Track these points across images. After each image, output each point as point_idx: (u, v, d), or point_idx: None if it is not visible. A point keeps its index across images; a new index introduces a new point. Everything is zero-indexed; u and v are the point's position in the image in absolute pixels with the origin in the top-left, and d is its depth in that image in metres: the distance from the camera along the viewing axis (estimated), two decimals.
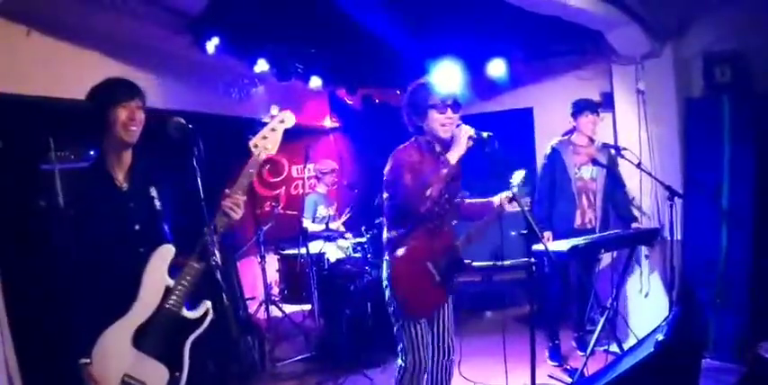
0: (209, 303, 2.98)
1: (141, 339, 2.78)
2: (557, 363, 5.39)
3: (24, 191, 3.68)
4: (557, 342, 5.49)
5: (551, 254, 4.35)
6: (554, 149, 5.49)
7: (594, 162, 5.32)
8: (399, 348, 3.53)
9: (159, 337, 2.81)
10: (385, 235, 3.60)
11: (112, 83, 2.96)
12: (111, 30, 4.84)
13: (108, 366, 2.68)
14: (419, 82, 3.71)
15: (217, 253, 2.88)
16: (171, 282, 2.87)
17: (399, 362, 3.53)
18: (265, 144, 3.04)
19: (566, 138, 5.54)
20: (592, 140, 5.45)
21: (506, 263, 5.73)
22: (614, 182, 5.49)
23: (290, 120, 3.12)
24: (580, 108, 5.38)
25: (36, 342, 3.51)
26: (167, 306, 2.84)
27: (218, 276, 2.83)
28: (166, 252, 2.93)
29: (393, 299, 3.47)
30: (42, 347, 3.58)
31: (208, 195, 3.06)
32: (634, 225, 5.33)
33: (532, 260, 3.68)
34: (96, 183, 2.86)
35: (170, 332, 2.85)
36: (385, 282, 3.52)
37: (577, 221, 5.42)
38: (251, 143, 3.03)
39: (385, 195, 3.56)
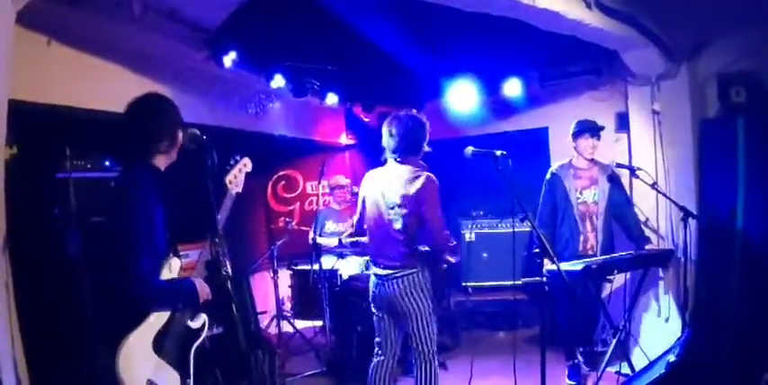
0: (205, 315, 3.16)
1: (159, 345, 2.88)
2: (575, 382, 5.35)
3: (39, 198, 3.72)
4: (576, 361, 5.44)
5: (564, 274, 4.33)
6: (554, 175, 5.47)
7: (610, 178, 5.31)
8: (431, 335, 4.11)
9: (173, 345, 2.93)
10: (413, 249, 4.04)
11: (172, 103, 3.13)
12: (130, 42, 4.90)
13: (135, 370, 2.76)
14: (422, 116, 4.19)
15: (227, 263, 2.94)
16: None
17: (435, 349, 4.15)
18: (236, 182, 3.43)
19: (566, 161, 5.52)
20: (593, 162, 5.43)
21: (519, 282, 5.71)
22: (622, 201, 5.46)
23: (249, 165, 3.58)
24: (580, 130, 5.36)
25: (47, 345, 3.53)
26: (178, 314, 2.98)
27: (229, 287, 2.88)
28: (175, 264, 3.07)
29: (431, 300, 4.04)
30: (53, 350, 3.60)
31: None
32: (648, 246, 5.29)
33: (545, 280, 3.71)
34: (159, 195, 2.99)
35: (180, 340, 2.98)
36: (420, 288, 4.00)
37: (579, 247, 5.34)
38: (226, 179, 3.39)
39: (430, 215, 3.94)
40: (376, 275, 4.13)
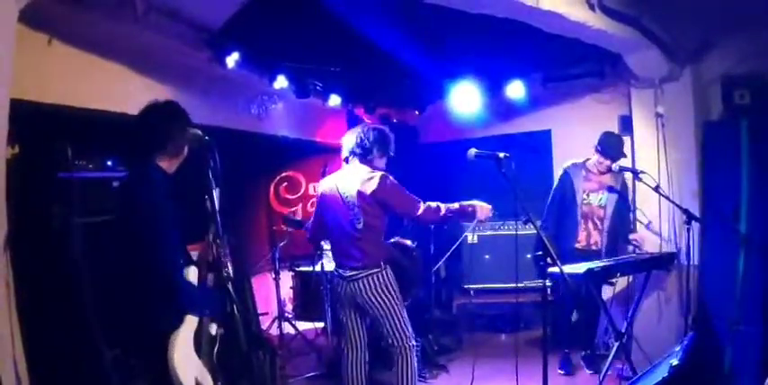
0: (215, 325, 3.22)
1: (198, 346, 2.98)
2: (564, 372, 5.46)
3: (41, 197, 3.71)
4: (566, 351, 5.59)
5: (567, 276, 4.33)
6: (566, 172, 5.62)
7: (611, 189, 5.36)
8: (410, 332, 4.17)
9: (205, 348, 3.04)
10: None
11: (183, 110, 3.23)
12: (132, 42, 4.89)
13: (186, 365, 2.84)
14: (387, 129, 4.39)
15: (229, 265, 2.94)
16: None
17: (413, 342, 4.17)
18: None
19: (580, 161, 5.61)
20: (606, 170, 5.51)
21: (521, 285, 5.70)
22: (624, 209, 5.60)
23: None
24: (605, 152, 5.43)
25: (47, 344, 3.53)
26: (204, 321, 3.07)
27: (230, 288, 2.87)
28: (194, 272, 3.13)
29: (396, 289, 4.18)
30: (54, 350, 3.60)
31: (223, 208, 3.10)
32: (634, 235, 5.52)
33: (548, 282, 3.71)
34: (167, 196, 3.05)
35: (208, 343, 3.09)
36: (385, 286, 4.14)
37: (582, 242, 5.51)
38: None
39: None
40: (340, 276, 4.25)
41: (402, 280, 4.28)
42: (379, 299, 4.10)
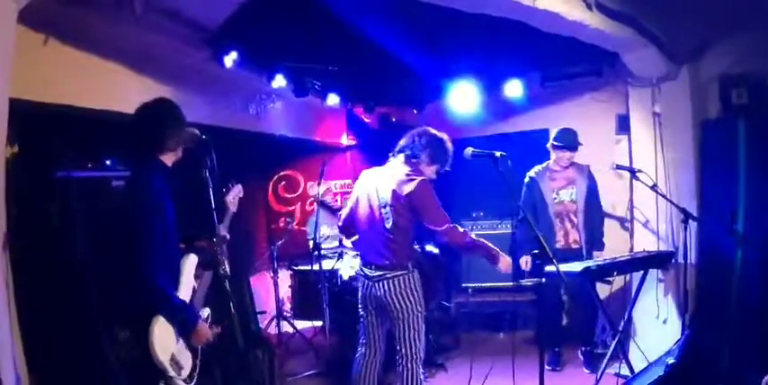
0: (208, 309, 3.28)
1: None
2: (551, 368, 5.53)
3: (40, 197, 3.73)
4: (556, 350, 5.70)
5: (563, 275, 4.34)
6: (531, 179, 5.73)
7: (590, 187, 5.66)
8: (421, 345, 4.05)
9: None
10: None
11: (178, 107, 3.25)
12: (130, 41, 4.89)
13: (163, 341, 2.88)
14: (447, 139, 4.22)
15: (225, 262, 2.96)
16: (195, 284, 3.19)
17: (421, 355, 4.06)
18: (234, 203, 3.69)
19: (543, 165, 5.79)
20: (570, 164, 5.68)
21: (518, 284, 5.73)
22: (594, 204, 5.72)
23: (242, 192, 3.88)
24: (563, 145, 5.61)
25: (47, 344, 3.54)
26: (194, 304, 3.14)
27: (227, 286, 2.89)
28: (194, 259, 3.19)
29: (420, 296, 4.06)
30: (53, 349, 3.61)
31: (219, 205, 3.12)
32: (595, 254, 5.57)
33: (544, 281, 3.73)
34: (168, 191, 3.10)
35: None
36: (410, 290, 4.02)
37: (561, 242, 5.63)
38: (227, 198, 3.67)
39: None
40: (365, 276, 4.16)
41: (425, 288, 4.17)
42: (401, 302, 4.00)
